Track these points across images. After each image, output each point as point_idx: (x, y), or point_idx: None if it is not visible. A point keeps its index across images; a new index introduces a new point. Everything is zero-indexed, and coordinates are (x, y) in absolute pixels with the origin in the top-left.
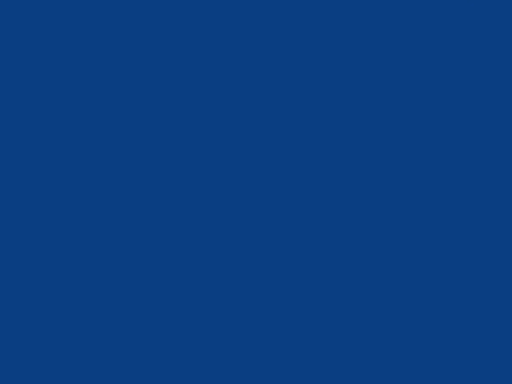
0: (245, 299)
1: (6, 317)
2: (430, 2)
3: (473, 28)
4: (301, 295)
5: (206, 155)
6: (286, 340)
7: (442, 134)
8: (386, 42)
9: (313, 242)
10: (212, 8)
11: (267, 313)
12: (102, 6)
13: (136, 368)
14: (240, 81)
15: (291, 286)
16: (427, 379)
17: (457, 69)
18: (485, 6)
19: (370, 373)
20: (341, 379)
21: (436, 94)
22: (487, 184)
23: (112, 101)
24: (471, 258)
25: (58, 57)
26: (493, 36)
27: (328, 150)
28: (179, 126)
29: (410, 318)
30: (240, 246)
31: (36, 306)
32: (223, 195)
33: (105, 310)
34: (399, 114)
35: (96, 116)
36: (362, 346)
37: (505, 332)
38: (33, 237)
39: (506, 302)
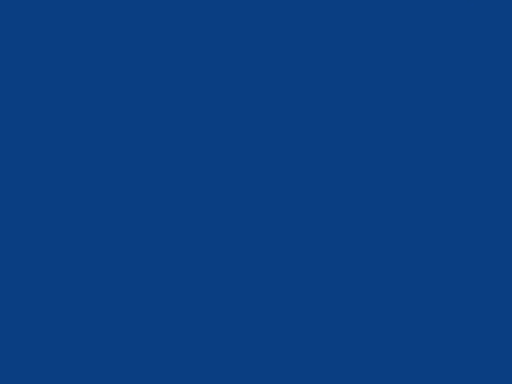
0: (245, 299)
1: (5, 317)
2: (430, 2)
3: (473, 28)
4: (301, 295)
5: (205, 155)
6: (286, 340)
7: (441, 134)
8: (386, 42)
9: (312, 242)
10: (212, 8)
11: (267, 313)
12: (102, 5)
13: (136, 368)
14: (240, 81)
15: (291, 286)
16: (427, 379)
17: (457, 69)
18: (485, 6)
19: (370, 373)
20: (341, 379)
21: (436, 94)
22: (487, 184)
23: (111, 100)
24: (471, 258)
25: (57, 57)
26: (493, 36)
27: (328, 150)
28: (179, 126)
29: (410, 318)
30: (240, 246)
31: (36, 305)
32: (223, 195)
33: (105, 309)
34: (399, 113)
35: (95, 116)
36: (361, 345)
37: (505, 332)
38: (33, 237)
39: (506, 301)
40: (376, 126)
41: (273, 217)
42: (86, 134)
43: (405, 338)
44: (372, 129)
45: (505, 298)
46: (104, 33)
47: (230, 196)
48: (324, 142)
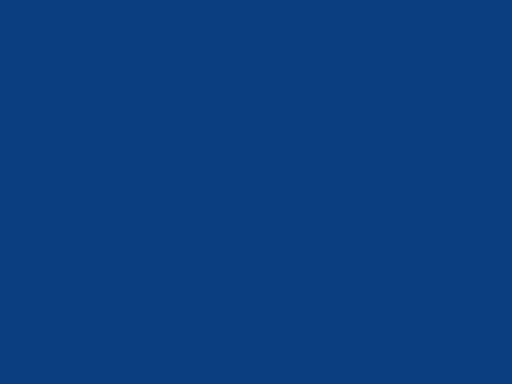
0: (244, 300)
1: (5, 317)
2: (429, 2)
3: (473, 28)
4: (301, 296)
5: (205, 155)
6: (286, 340)
7: (442, 134)
8: (386, 42)
9: (313, 242)
10: (212, 8)
11: (267, 314)
12: (101, 5)
13: (136, 368)
14: (240, 81)
15: (291, 287)
16: (427, 379)
17: (457, 69)
18: (485, 6)
19: (370, 373)
20: (340, 379)
21: (436, 94)
22: (487, 184)
23: (111, 100)
24: (471, 258)
25: (57, 56)
26: (493, 36)
27: (328, 150)
28: (178, 126)
29: (410, 318)
30: (239, 246)
31: (36, 306)
32: (223, 195)
33: (104, 310)
34: (399, 114)
35: (95, 116)
36: (361, 346)
37: (505, 332)
38: (32, 237)
39: (506, 302)
40: (376, 126)
41: (272, 217)
42: (85, 134)
43: (405, 338)
44: (372, 129)
45: (505, 298)
46: (104, 32)
47: (230, 196)
48: (323, 143)
